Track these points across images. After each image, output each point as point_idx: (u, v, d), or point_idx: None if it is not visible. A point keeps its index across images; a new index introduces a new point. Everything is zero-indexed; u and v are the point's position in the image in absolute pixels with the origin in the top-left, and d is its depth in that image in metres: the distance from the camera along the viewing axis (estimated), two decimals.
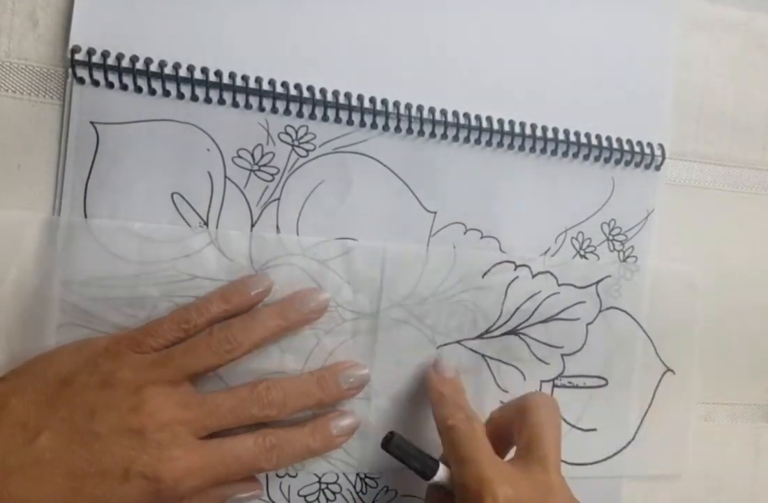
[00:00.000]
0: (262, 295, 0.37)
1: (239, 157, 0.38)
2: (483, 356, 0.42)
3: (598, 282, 0.43)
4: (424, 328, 0.40)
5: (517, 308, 0.42)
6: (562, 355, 0.43)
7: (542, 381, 0.43)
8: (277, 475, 0.39)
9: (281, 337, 0.37)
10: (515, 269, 0.42)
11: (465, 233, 0.41)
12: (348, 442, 0.39)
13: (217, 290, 0.37)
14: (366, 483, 0.41)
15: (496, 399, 0.42)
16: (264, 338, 0.36)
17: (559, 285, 0.43)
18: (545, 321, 0.43)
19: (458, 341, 0.41)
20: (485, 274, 0.41)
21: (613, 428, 0.44)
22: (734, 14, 0.46)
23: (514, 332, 0.42)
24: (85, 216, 0.36)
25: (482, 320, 0.42)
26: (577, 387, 0.43)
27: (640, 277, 0.44)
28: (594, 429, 0.43)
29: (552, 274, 0.43)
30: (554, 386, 0.43)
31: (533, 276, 0.42)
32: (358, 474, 0.40)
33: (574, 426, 0.43)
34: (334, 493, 0.40)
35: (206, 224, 0.37)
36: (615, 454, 0.44)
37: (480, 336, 0.42)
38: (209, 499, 0.35)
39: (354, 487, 0.40)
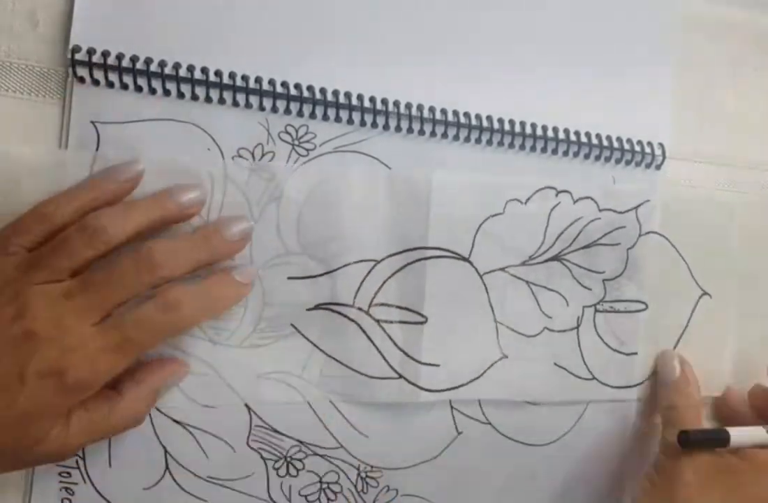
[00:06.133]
0: (132, 182, 0.34)
1: (239, 156, 0.38)
2: (527, 282, 0.42)
3: (637, 207, 0.44)
4: (469, 256, 0.41)
5: (560, 235, 0.42)
6: (604, 280, 0.43)
7: (584, 306, 0.43)
8: (278, 475, 0.39)
9: (158, 230, 0.35)
10: (557, 195, 0.42)
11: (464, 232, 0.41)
12: (349, 440, 0.39)
13: (85, 179, 0.35)
14: (367, 483, 0.41)
15: (540, 325, 0.42)
16: (140, 227, 0.33)
17: (600, 211, 0.43)
18: (587, 247, 0.43)
19: (502, 269, 0.41)
20: (527, 200, 0.41)
21: (652, 351, 0.45)
22: (734, 14, 0.46)
23: (556, 258, 0.42)
24: None
25: (526, 247, 0.42)
26: (618, 311, 0.44)
27: (678, 202, 0.44)
28: (635, 353, 0.44)
29: (593, 199, 0.43)
30: (596, 311, 0.43)
31: (574, 202, 0.42)
32: (359, 474, 0.40)
33: (616, 351, 0.44)
34: (335, 493, 0.40)
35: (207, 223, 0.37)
36: (653, 375, 0.45)
37: (524, 263, 0.42)
38: (143, 396, 0.34)
39: (355, 487, 0.40)
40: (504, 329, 0.42)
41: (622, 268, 0.44)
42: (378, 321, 0.39)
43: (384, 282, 0.39)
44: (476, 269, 0.41)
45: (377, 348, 0.39)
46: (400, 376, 0.40)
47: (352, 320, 0.39)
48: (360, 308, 0.39)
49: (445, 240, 0.40)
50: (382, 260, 0.39)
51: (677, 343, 0.45)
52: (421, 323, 0.40)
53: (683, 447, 0.39)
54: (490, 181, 0.41)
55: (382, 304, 0.39)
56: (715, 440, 0.39)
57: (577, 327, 0.43)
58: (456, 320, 0.41)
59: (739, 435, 0.39)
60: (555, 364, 0.43)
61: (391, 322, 0.40)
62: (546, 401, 0.43)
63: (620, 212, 0.43)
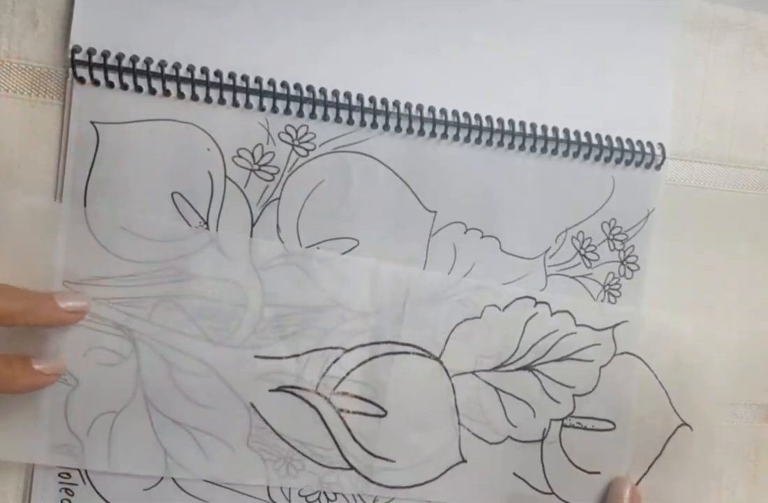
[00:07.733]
0: None
1: (239, 156, 0.38)
2: (496, 388, 0.42)
3: (614, 326, 0.43)
4: (440, 356, 0.41)
5: (534, 345, 0.42)
6: (574, 395, 0.43)
7: (552, 420, 0.43)
8: (278, 475, 0.39)
9: None
10: (535, 306, 0.42)
11: (465, 232, 0.41)
12: (352, 447, 0.39)
13: None
14: None
15: (504, 433, 0.42)
16: None
17: (576, 325, 0.43)
18: (560, 360, 0.42)
19: (473, 372, 0.41)
20: (505, 308, 0.41)
21: (616, 473, 0.43)
22: (734, 14, 0.46)
23: (528, 368, 0.42)
24: (86, 216, 0.36)
25: (498, 353, 0.41)
26: (585, 428, 0.43)
27: (655, 324, 0.44)
28: (598, 473, 0.43)
29: (570, 314, 0.43)
30: (563, 425, 0.43)
31: (552, 314, 0.42)
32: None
33: (579, 468, 0.43)
34: (335, 493, 0.40)
35: (206, 223, 0.37)
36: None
37: (495, 369, 0.42)
38: None
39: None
40: (466, 432, 0.41)
41: (593, 385, 0.43)
42: (338, 410, 0.39)
43: (349, 372, 0.39)
44: (446, 370, 0.41)
45: (333, 437, 0.39)
46: (352, 468, 0.40)
47: (313, 406, 0.39)
48: (322, 395, 0.39)
49: (418, 338, 0.40)
50: (352, 349, 0.39)
51: (648, 469, 0.44)
52: (381, 416, 0.40)
53: None
54: (470, 284, 0.41)
55: (345, 393, 0.39)
56: None
57: (542, 440, 0.42)
58: (417, 418, 0.40)
59: None
60: (515, 474, 0.42)
61: (351, 412, 0.40)
62: None
63: (596, 330, 0.43)
